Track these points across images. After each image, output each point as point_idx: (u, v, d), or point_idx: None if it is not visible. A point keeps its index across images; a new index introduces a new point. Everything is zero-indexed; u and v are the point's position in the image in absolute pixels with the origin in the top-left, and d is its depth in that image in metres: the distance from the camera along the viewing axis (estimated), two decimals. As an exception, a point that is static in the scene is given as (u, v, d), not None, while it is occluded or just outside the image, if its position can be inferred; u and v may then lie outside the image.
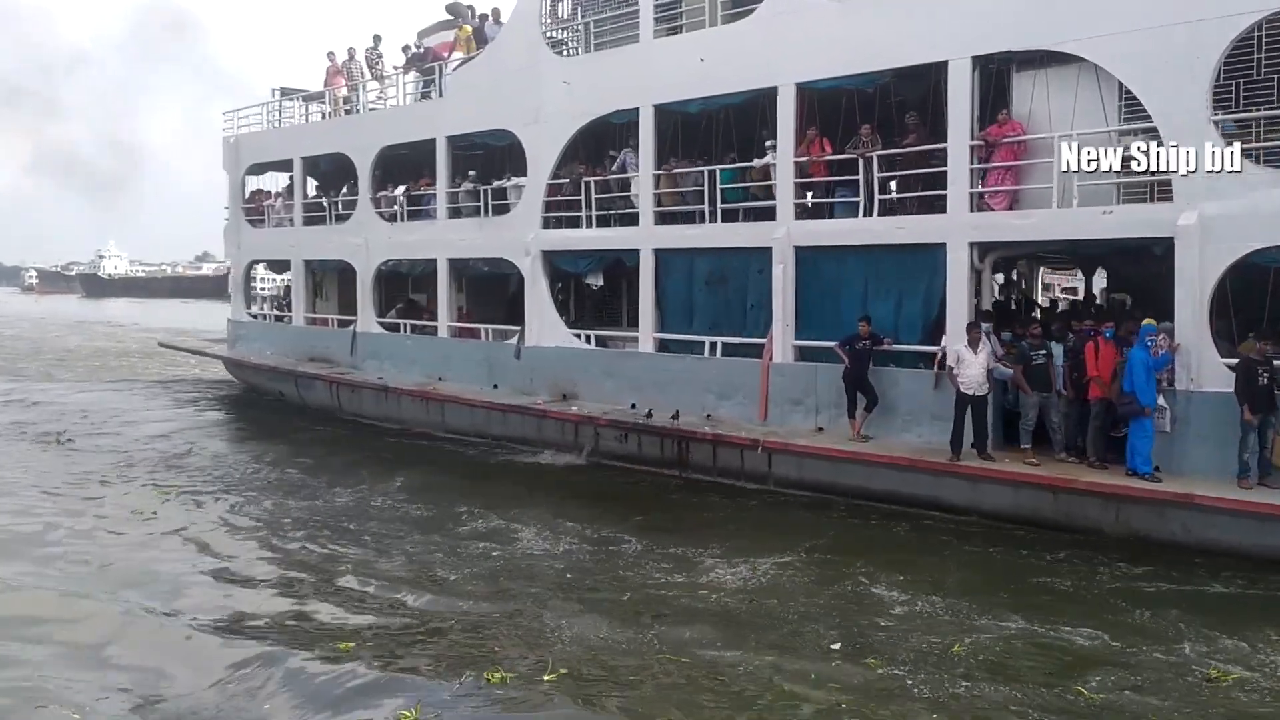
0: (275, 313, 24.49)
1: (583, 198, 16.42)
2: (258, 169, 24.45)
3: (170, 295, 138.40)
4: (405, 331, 20.16)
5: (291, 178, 24.29)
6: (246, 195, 24.79)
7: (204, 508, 13.17)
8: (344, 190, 22.78)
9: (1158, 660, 7.71)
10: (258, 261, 25.16)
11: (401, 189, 20.30)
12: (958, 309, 12.24)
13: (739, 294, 14.63)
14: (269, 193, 24.86)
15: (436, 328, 19.38)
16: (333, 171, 22.85)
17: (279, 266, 25.44)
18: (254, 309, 25.33)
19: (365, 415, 20.19)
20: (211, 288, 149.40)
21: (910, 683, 7.27)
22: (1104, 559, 10.08)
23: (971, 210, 12.11)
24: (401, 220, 20.11)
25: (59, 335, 48.48)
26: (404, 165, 21.06)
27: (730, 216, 14.70)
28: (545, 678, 7.31)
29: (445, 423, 18.51)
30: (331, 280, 23.37)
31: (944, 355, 12.25)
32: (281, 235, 23.40)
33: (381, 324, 20.63)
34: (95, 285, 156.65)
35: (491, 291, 20.29)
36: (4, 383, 26.60)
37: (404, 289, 22.16)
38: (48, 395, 24.08)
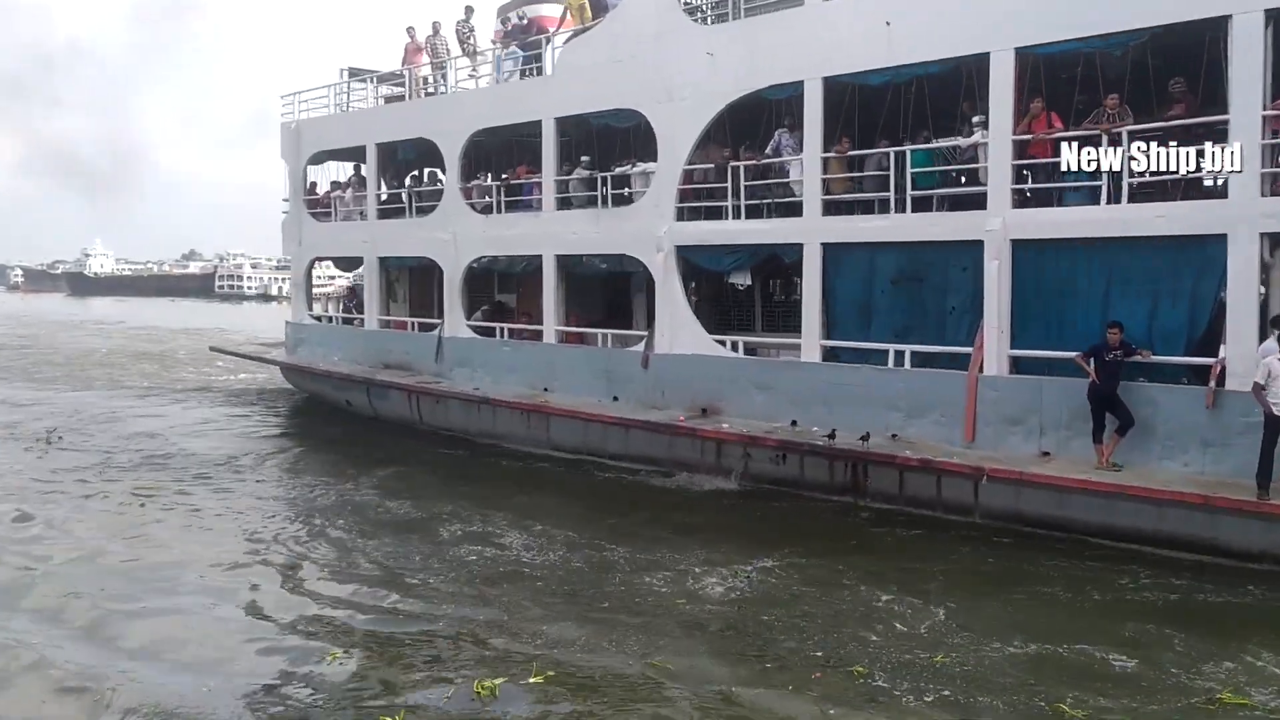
0: (342, 315, 22.36)
1: (729, 185, 14.40)
2: (322, 157, 22.36)
3: (156, 294, 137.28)
4: (502, 336, 18.10)
5: (356, 167, 22.27)
6: (307, 186, 22.71)
7: (286, 536, 11.63)
8: (405, 180, 20.89)
9: None
10: (322, 259, 23.07)
11: (488, 177, 18.30)
12: (1241, 313, 10.22)
13: (935, 295, 12.60)
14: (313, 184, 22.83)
15: (541, 332, 17.33)
16: (410, 160, 20.82)
17: (346, 264, 23.39)
18: (317, 310, 23.20)
19: (452, 428, 18.19)
20: (198, 286, 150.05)
21: None
22: None
23: (1263, 194, 10.09)
24: (498, 212, 18.05)
25: (77, 337, 46.42)
26: (492, 153, 19.05)
27: (920, 206, 12.69)
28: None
29: (550, 439, 16.51)
30: (404, 279, 21.33)
31: (1223, 369, 10.24)
32: (351, 230, 21.33)
33: (473, 328, 18.58)
34: (81, 284, 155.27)
35: (588, 292, 18.26)
36: (64, 393, 24.59)
37: (488, 290, 20.14)
38: (97, 404, 22.08)
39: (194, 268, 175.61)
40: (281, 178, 22.73)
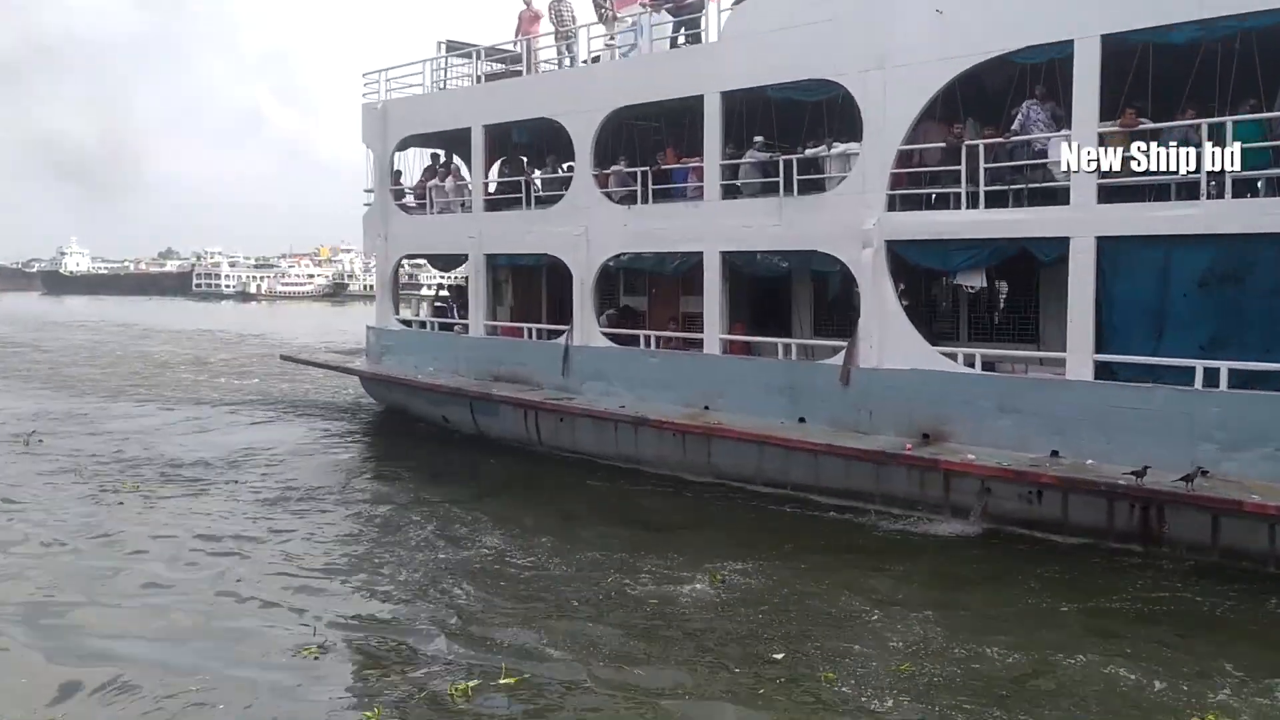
0: (437, 320, 19.93)
1: (963, 169, 12.08)
2: (413, 142, 19.95)
3: (133, 292, 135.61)
4: (650, 345, 15.72)
5: (436, 155, 19.88)
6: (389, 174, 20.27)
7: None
8: (512, 167, 18.53)
9: None
10: (413, 257, 20.67)
11: (616, 164, 15.90)
12: None
13: (1261, 300, 10.28)
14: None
15: (701, 341, 14.98)
16: (522, 145, 18.44)
17: (443, 263, 21.01)
18: (406, 314, 20.74)
19: (579, 451, 15.88)
20: (175, 284, 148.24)
21: None
22: None
23: None
24: (642, 203, 15.66)
25: (127, 341, 43.97)
26: (627, 137, 16.68)
27: (1242, 190, 10.38)
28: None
29: (712, 465, 14.19)
30: (510, 280, 18.99)
31: None
32: (452, 224, 18.91)
33: (608, 335, 16.21)
34: (56, 282, 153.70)
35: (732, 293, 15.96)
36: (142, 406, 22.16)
37: (611, 293, 17.79)
38: (163, 419, 19.70)
39: (171, 266, 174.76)
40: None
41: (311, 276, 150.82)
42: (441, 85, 19.25)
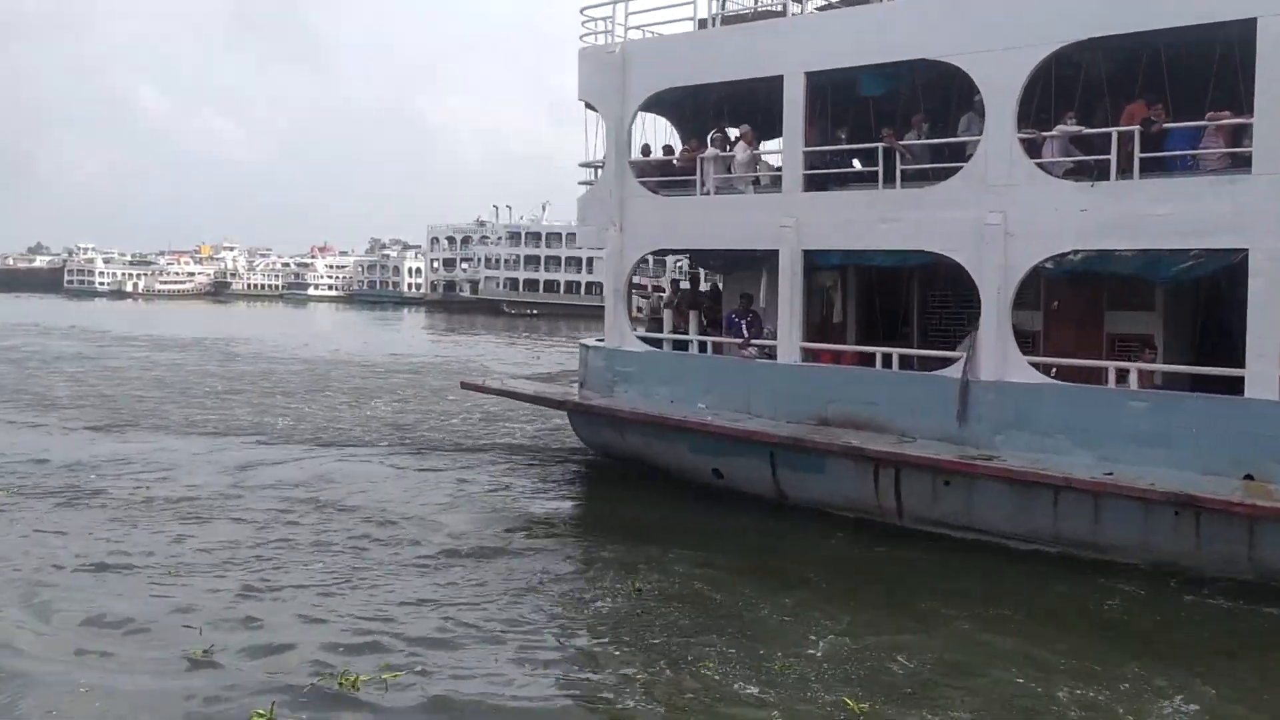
0: (712, 338, 14.75)
1: None
2: (671, 97, 14.82)
3: (0, 290, 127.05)
4: (1125, 383, 10.93)
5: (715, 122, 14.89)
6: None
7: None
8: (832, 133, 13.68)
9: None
10: (665, 252, 15.53)
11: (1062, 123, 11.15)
12: None
13: None
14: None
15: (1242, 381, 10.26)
16: (859, 101, 13.50)
17: (718, 262, 15.90)
18: (642, 330, 15.44)
19: (977, 527, 11.29)
20: (45, 281, 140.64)
21: None
22: None
23: None
24: (1119, 178, 10.87)
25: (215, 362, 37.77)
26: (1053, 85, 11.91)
27: None
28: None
29: (1257, 558, 9.63)
30: (840, 285, 14.08)
31: None
32: (743, 210, 13.86)
33: (1036, 366, 11.43)
34: None
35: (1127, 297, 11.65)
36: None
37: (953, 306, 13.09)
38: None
39: (41, 262, 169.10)
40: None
41: (192, 275, 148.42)
42: (713, 22, 14.19)
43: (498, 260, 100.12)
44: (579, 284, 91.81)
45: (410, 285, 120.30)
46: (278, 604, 9.18)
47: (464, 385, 16.36)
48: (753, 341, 13.80)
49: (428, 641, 8.33)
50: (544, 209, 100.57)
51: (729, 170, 14.17)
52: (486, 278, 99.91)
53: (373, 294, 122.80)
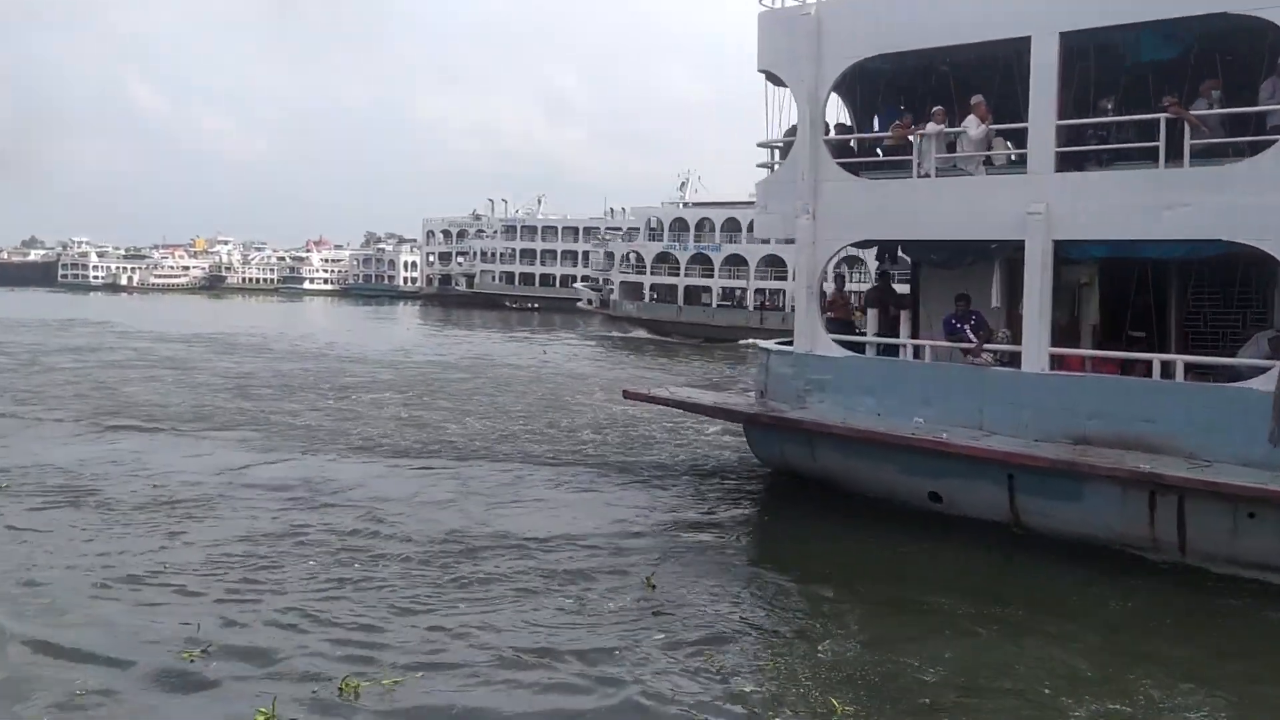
0: (915, 342, 12.95)
1: None
2: (873, 66, 12.96)
3: None
4: None
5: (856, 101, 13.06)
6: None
7: None
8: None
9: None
10: (870, 242, 13.68)
11: None
12: None
13: None
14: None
15: None
16: (1115, 70, 11.61)
17: (940, 254, 13.93)
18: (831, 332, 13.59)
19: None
20: (40, 275, 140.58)
21: None
22: None
23: None
24: None
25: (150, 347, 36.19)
26: None
27: None
28: None
29: None
30: (1096, 282, 12.21)
31: None
32: (978, 193, 12.02)
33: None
34: None
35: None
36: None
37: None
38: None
39: (35, 255, 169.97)
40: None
41: (187, 268, 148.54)
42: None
43: (493, 254, 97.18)
44: (574, 278, 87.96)
45: (406, 279, 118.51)
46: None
47: (627, 395, 14.55)
48: (987, 347, 11.94)
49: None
50: (539, 202, 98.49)
51: (950, 149, 12.31)
52: (483, 271, 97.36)
53: (368, 288, 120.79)
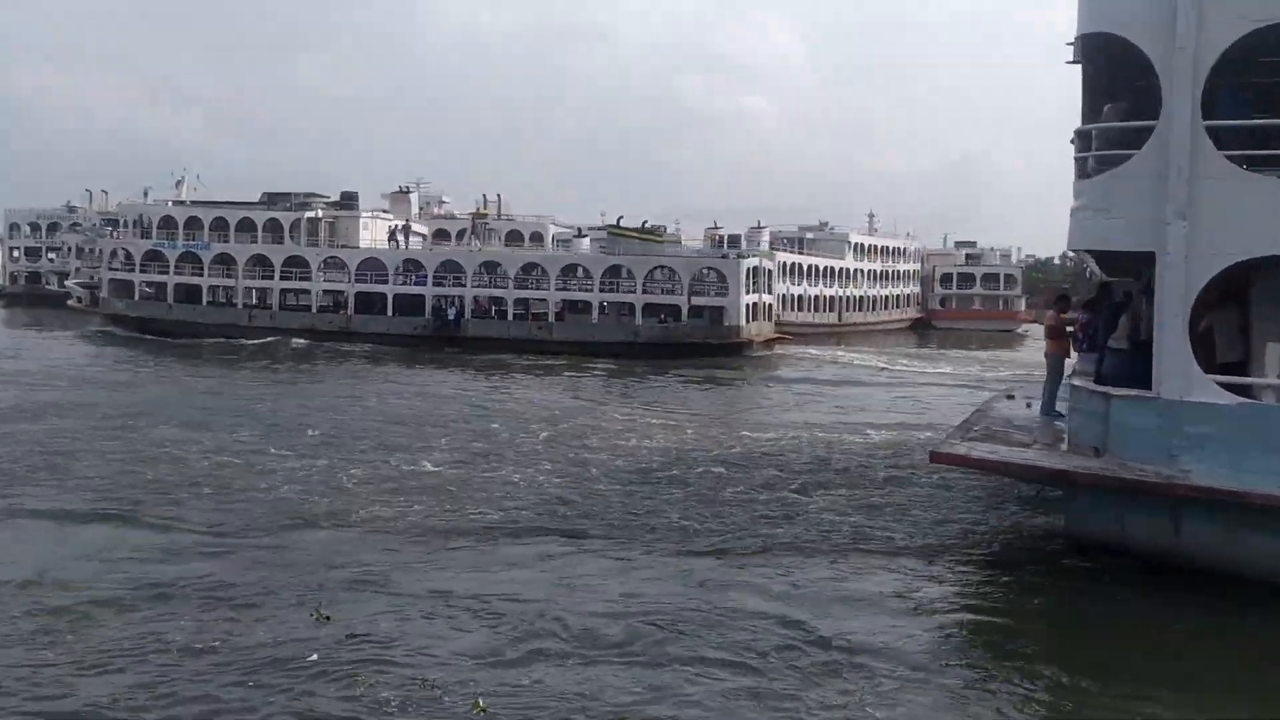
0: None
1: None
2: (1270, 38, 10.10)
3: None
4: None
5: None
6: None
7: None
8: None
9: None
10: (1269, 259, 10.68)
11: None
12: None
13: None
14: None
15: None
16: None
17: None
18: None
19: None
20: None
21: None
22: None
23: None
24: None
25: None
26: None
27: None
28: None
29: None
30: None
31: None
32: None
33: None
34: None
35: None
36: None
37: None
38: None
39: None
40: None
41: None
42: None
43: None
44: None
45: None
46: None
47: (936, 458, 11.10)
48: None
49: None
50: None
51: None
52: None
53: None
